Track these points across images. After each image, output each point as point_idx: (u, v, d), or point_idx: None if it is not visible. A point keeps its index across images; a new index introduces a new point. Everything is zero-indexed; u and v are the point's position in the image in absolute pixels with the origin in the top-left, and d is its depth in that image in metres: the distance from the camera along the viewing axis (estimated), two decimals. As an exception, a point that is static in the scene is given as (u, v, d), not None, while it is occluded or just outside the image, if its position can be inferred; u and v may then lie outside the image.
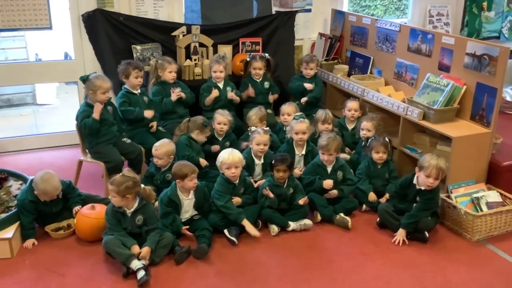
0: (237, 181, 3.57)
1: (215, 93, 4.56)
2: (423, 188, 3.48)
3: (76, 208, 3.52)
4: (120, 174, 3.18)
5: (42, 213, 3.43)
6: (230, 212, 3.45)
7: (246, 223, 3.44)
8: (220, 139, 4.22)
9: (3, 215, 3.33)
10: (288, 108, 4.38)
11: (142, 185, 3.20)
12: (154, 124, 4.26)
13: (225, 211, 3.46)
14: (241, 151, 3.81)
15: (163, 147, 3.73)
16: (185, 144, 3.96)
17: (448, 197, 3.67)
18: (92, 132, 3.84)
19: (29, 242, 3.35)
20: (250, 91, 4.71)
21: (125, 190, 3.08)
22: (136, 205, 3.18)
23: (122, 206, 3.16)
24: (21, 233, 3.36)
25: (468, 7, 6.15)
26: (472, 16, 6.17)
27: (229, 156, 3.49)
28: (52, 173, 3.39)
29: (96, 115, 3.78)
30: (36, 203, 3.36)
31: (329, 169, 3.81)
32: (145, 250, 3.09)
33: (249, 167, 3.86)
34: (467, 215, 3.49)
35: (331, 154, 3.74)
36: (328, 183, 3.73)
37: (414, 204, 3.55)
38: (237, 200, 3.57)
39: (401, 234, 3.47)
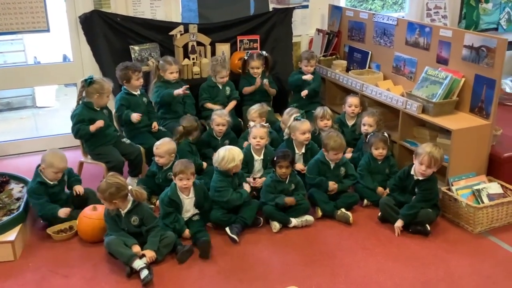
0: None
1: (258, 83, 4.71)
2: (420, 178, 3.49)
3: (76, 187, 3.59)
4: (104, 180, 3.19)
5: (52, 196, 3.47)
6: (238, 199, 3.49)
7: (247, 187, 3.60)
8: (219, 138, 4.23)
9: (5, 218, 3.34)
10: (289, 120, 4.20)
11: (130, 187, 3.19)
12: (155, 124, 4.26)
13: (233, 203, 3.48)
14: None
15: (164, 146, 3.74)
16: (187, 151, 3.97)
17: (449, 189, 3.68)
18: (81, 139, 3.93)
19: (65, 211, 3.43)
20: (258, 82, 4.71)
21: (109, 196, 3.10)
22: (129, 205, 3.20)
23: (113, 209, 3.18)
24: (48, 213, 3.44)
25: (466, 0, 6.13)
26: (469, 8, 6.15)
27: (228, 152, 3.50)
28: (58, 149, 3.58)
29: (93, 129, 3.79)
30: (45, 185, 3.42)
31: (332, 165, 3.81)
32: (148, 253, 3.10)
33: (248, 163, 3.87)
34: (468, 207, 3.49)
35: (340, 153, 3.76)
36: (333, 187, 3.75)
37: (413, 197, 3.55)
38: None
39: (399, 223, 3.49)
